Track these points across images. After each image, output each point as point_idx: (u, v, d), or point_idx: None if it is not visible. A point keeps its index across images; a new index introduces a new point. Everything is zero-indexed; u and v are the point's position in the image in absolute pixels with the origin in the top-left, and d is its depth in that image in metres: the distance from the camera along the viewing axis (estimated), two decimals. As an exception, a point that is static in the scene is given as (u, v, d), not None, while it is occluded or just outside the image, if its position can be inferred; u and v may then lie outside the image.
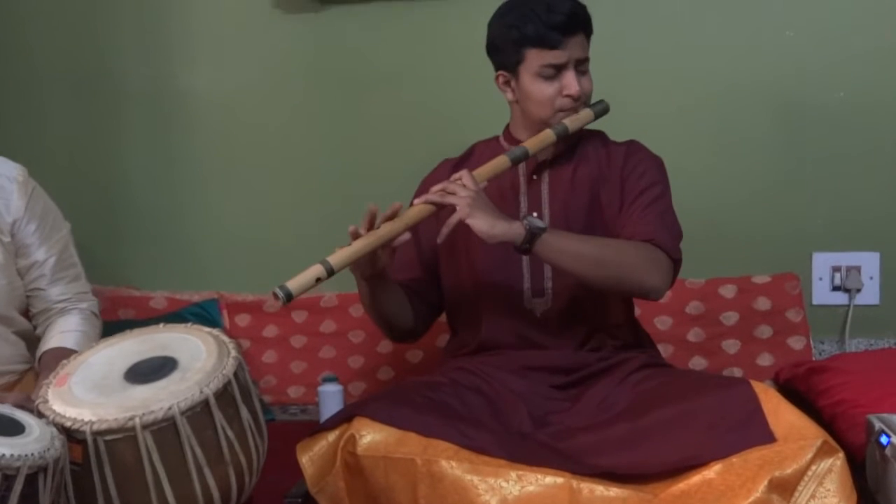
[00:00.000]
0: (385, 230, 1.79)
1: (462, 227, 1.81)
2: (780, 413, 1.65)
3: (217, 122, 2.81)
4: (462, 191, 1.80)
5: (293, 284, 1.70)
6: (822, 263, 2.60)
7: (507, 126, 2.09)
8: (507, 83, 2.00)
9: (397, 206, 1.82)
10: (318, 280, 1.72)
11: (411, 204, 2.06)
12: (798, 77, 2.57)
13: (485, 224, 1.78)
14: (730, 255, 2.58)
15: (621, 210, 1.98)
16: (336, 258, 1.76)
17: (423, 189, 2.10)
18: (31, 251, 2.07)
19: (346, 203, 2.76)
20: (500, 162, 1.91)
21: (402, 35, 2.70)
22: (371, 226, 1.80)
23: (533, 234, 1.80)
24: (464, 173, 1.84)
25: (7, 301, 2.04)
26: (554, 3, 1.91)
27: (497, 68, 2.01)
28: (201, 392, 1.63)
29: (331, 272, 1.73)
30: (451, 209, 1.81)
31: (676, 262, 1.94)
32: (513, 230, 1.80)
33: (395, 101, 2.72)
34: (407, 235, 1.82)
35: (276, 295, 1.68)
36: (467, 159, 2.11)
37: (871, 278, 2.58)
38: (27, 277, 2.08)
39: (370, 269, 1.86)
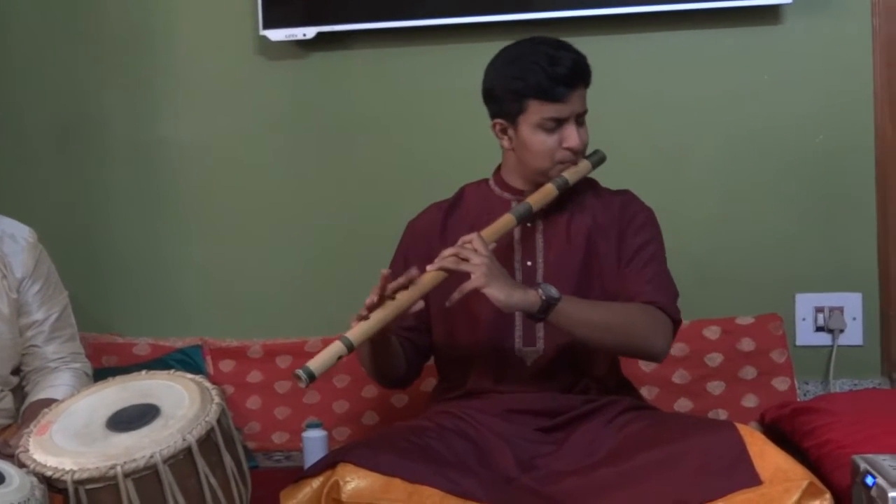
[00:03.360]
0: (402, 300, 1.78)
1: (455, 276, 1.81)
2: (766, 455, 1.65)
3: (201, 169, 2.82)
4: (475, 257, 1.79)
5: (315, 364, 1.68)
6: (806, 304, 2.61)
7: (499, 170, 2.09)
8: (503, 131, 1.99)
9: (414, 275, 1.80)
10: (340, 357, 1.71)
11: (394, 258, 2.09)
12: (777, 122, 2.60)
13: (501, 294, 1.78)
14: (714, 297, 2.60)
15: (619, 266, 1.99)
16: (355, 334, 1.74)
17: (410, 235, 2.11)
18: (32, 310, 2.11)
19: (330, 249, 2.77)
20: (507, 221, 1.91)
21: (387, 81, 2.73)
22: (384, 291, 1.78)
23: (549, 305, 1.80)
24: (474, 238, 1.83)
25: (8, 357, 2.07)
26: (557, 55, 1.91)
27: (494, 116, 2.00)
28: (184, 439, 1.61)
29: (351, 348, 1.72)
30: (463, 273, 1.80)
31: (677, 323, 1.97)
32: (529, 300, 1.80)
33: (381, 147, 2.74)
34: (420, 304, 1.82)
35: (298, 377, 1.66)
36: (458, 204, 2.11)
37: (854, 319, 2.59)
38: (25, 335, 2.11)
39: (380, 334, 1.85)
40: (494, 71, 1.99)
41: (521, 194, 2.01)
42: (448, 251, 1.82)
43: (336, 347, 1.71)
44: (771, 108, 2.60)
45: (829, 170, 2.59)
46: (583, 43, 2.00)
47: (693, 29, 2.62)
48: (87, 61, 2.84)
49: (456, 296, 1.79)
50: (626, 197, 2.07)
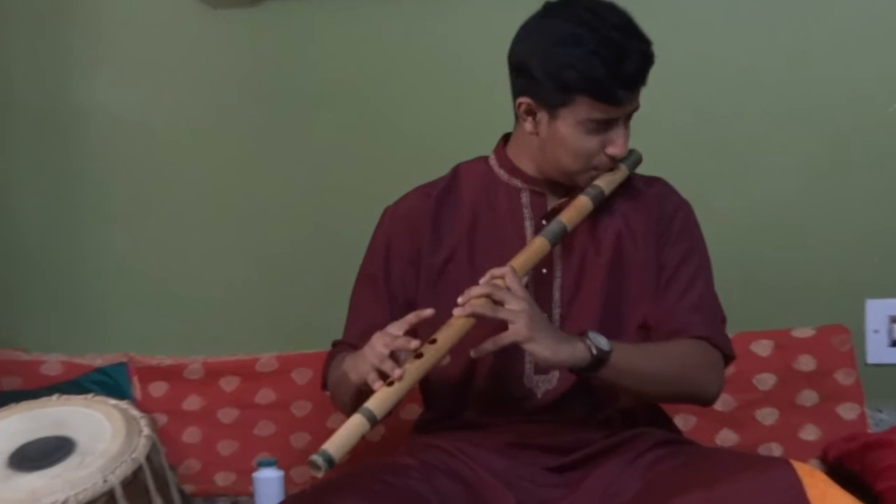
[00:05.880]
0: (427, 360, 1.77)
1: (451, 290, 1.82)
2: (829, 500, 1.65)
3: (127, 144, 2.82)
4: (513, 301, 1.79)
5: (333, 447, 1.66)
6: (878, 312, 2.63)
7: (503, 147, 2.08)
8: (530, 113, 1.98)
9: (428, 314, 1.82)
10: (363, 436, 1.70)
11: (367, 252, 2.08)
12: (843, 88, 2.62)
13: (547, 351, 1.78)
14: (764, 304, 2.62)
15: (657, 281, 2.00)
16: (377, 405, 1.72)
17: (390, 223, 2.10)
18: None
19: (289, 245, 2.77)
20: (539, 248, 1.91)
21: (363, 35, 2.73)
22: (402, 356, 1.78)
23: (599, 360, 1.82)
24: (507, 272, 1.82)
25: None
26: (626, 47, 1.89)
27: (522, 93, 1.97)
28: (105, 481, 1.62)
29: (374, 421, 1.70)
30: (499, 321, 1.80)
31: (729, 360, 2.03)
32: (577, 356, 1.80)
33: (354, 117, 2.74)
34: (447, 359, 1.84)
35: (314, 464, 1.65)
36: (452, 189, 2.10)
37: (940, 331, 2.62)
38: None
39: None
40: (537, 45, 1.95)
41: (533, 182, 2.02)
42: (476, 290, 1.80)
43: (358, 424, 1.69)
44: (835, 71, 2.62)
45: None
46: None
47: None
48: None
49: (489, 347, 1.78)
50: (660, 190, 2.08)
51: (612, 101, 1.90)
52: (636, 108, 1.97)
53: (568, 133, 1.94)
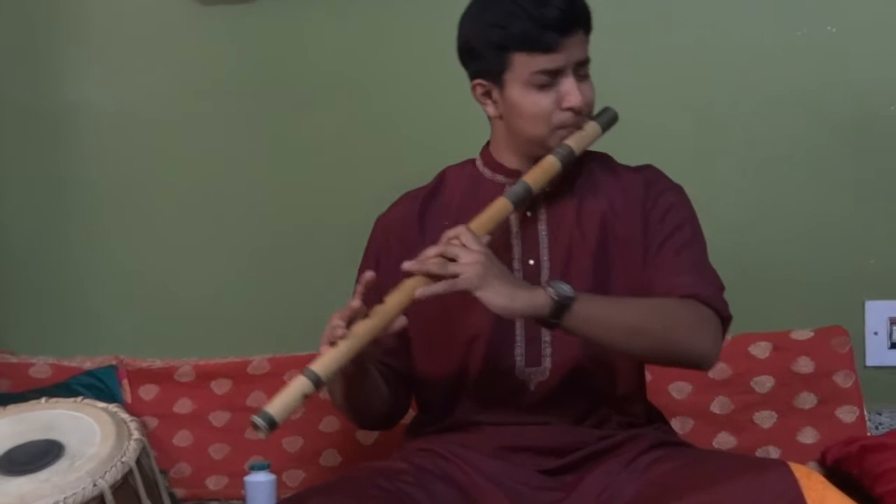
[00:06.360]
0: (376, 320, 1.76)
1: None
2: (827, 503, 1.65)
3: (117, 144, 2.82)
4: (465, 254, 1.78)
5: (275, 408, 1.65)
6: (878, 314, 2.63)
7: (487, 146, 2.10)
8: (486, 94, 2.00)
9: (369, 277, 1.81)
10: (306, 396, 1.69)
11: (362, 263, 2.08)
12: (847, 83, 2.62)
13: (501, 297, 1.77)
14: (762, 305, 2.61)
15: (646, 257, 1.99)
16: (322, 365, 1.71)
17: (380, 232, 2.11)
18: None
19: (281, 246, 2.77)
20: (501, 208, 1.90)
21: (358, 32, 2.73)
22: (352, 320, 1.76)
23: (562, 306, 1.79)
24: (461, 231, 1.82)
25: None
26: None
27: (473, 77, 2.00)
28: (95, 485, 1.61)
29: (319, 383, 1.70)
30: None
31: (726, 321, 1.98)
32: (536, 302, 1.79)
33: (347, 115, 2.74)
34: (402, 320, 1.80)
35: (255, 425, 1.65)
36: (438, 191, 2.11)
37: (940, 332, 2.62)
38: None
39: (354, 365, 1.84)
40: (469, 20, 1.99)
41: (516, 175, 2.00)
42: (431, 251, 1.81)
43: (300, 384, 1.68)
44: (835, 68, 2.62)
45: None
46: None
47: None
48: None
49: (438, 289, 1.76)
50: (649, 173, 2.07)
51: (543, 47, 1.90)
52: (585, 59, 1.95)
53: (518, 97, 1.94)
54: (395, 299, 1.78)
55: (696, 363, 1.94)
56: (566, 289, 1.80)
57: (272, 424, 1.64)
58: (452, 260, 1.78)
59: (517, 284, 1.82)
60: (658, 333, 1.87)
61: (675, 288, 1.93)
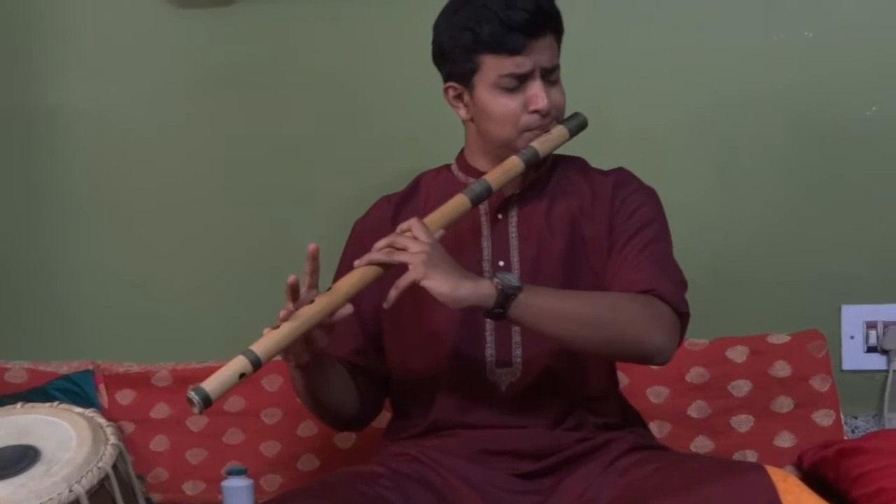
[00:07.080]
0: (321, 304, 1.77)
1: (413, 285, 1.81)
2: (804, 506, 1.67)
3: (94, 148, 2.81)
4: (413, 245, 1.81)
5: (211, 385, 1.67)
6: (854, 318, 2.65)
7: (462, 151, 2.12)
8: (458, 97, 2.02)
9: (312, 248, 1.82)
10: (243, 376, 1.70)
11: (339, 266, 2.09)
12: (820, 88, 2.63)
13: (445, 286, 1.78)
14: (739, 309, 2.63)
15: (610, 255, 2.00)
16: (263, 346, 1.73)
17: (356, 235, 2.12)
18: None
19: (260, 249, 2.76)
20: (458, 203, 1.92)
21: (336, 33, 2.72)
22: (295, 299, 1.77)
23: (507, 295, 1.81)
24: (413, 223, 1.85)
25: None
26: None
27: (446, 79, 2.03)
28: (71, 490, 1.62)
29: (257, 364, 1.70)
30: (402, 268, 1.81)
31: (683, 317, 1.97)
32: (481, 291, 1.80)
33: (327, 116, 2.74)
34: (349, 308, 1.81)
35: (190, 400, 1.66)
36: (412, 196, 2.13)
37: (916, 336, 2.63)
38: None
39: (306, 354, 1.84)
40: (442, 23, 2.02)
41: None
42: (381, 242, 1.84)
43: (238, 363, 1.70)
44: (813, 73, 2.63)
45: (884, 150, 2.62)
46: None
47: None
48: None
49: (393, 293, 1.80)
50: (620, 175, 2.09)
51: (510, 49, 1.92)
52: (554, 65, 1.98)
53: (486, 99, 1.97)
54: (343, 286, 1.80)
55: (648, 357, 1.93)
56: (512, 279, 1.82)
57: (206, 401, 1.65)
58: (401, 249, 1.81)
59: (463, 274, 1.83)
60: (609, 326, 1.87)
61: (633, 283, 1.94)
